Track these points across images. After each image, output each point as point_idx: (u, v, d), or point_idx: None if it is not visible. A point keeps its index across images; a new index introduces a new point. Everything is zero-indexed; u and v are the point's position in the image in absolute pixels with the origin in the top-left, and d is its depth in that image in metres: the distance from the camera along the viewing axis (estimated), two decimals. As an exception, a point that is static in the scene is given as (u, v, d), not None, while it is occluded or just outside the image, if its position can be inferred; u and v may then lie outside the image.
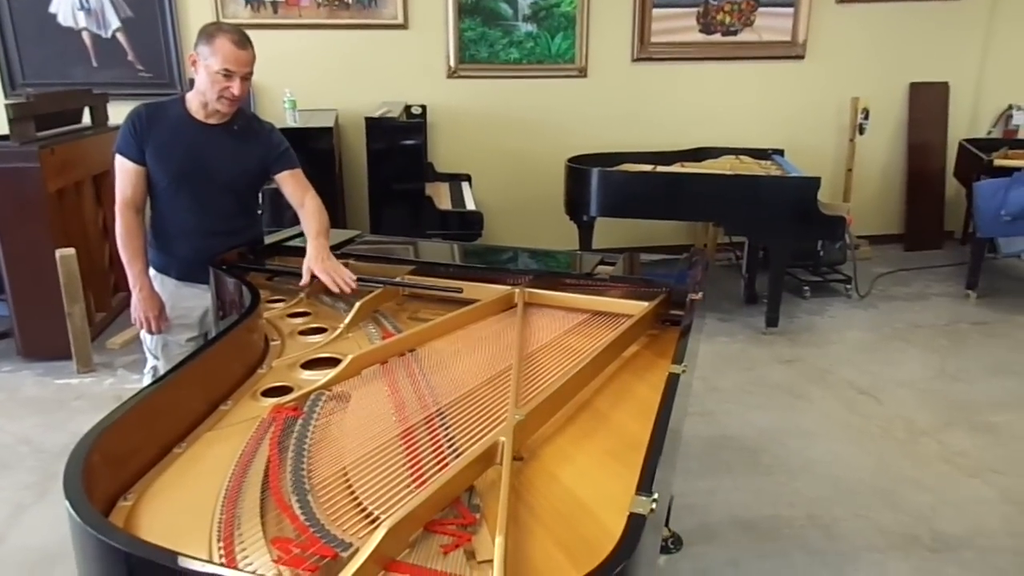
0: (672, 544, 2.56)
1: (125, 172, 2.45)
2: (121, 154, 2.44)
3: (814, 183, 4.26)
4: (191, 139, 2.45)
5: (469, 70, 5.29)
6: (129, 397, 1.41)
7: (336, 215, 4.48)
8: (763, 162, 5.01)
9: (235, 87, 2.35)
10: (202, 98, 2.42)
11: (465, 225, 4.28)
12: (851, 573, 2.48)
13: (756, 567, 2.51)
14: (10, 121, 3.80)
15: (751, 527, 2.71)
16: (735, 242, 5.58)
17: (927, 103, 6.03)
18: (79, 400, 3.65)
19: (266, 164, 2.58)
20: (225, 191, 2.53)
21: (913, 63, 5.93)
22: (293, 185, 2.61)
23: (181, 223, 2.53)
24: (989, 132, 6.15)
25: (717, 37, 5.60)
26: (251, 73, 2.41)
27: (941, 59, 5.96)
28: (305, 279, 2.33)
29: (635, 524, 1.07)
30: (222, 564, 1.09)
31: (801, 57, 5.73)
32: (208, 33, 2.34)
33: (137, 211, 2.48)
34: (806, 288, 5.13)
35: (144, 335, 2.64)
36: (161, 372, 2.61)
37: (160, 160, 2.44)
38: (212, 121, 2.47)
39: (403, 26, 5.13)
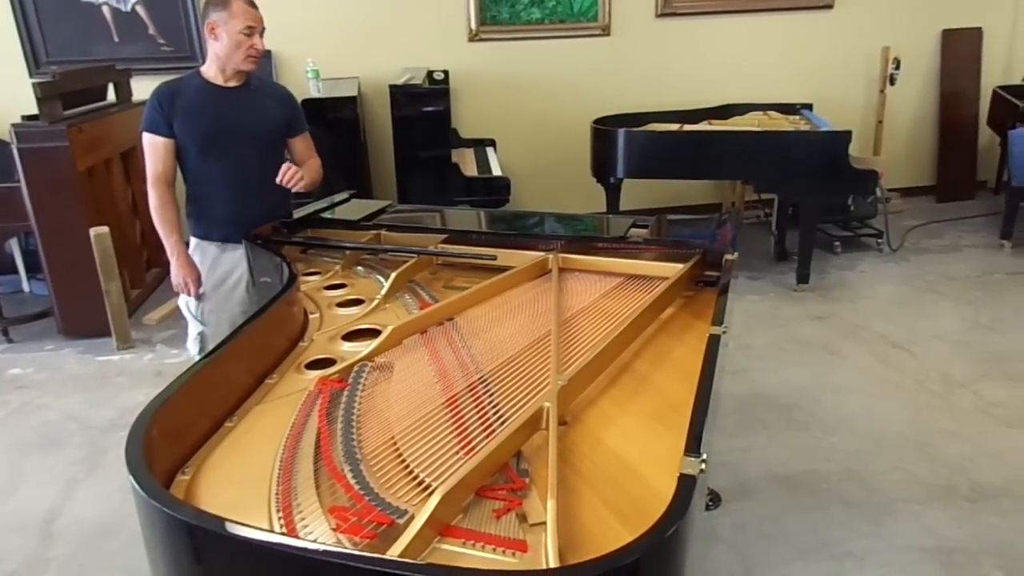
0: (711, 501, 2.58)
1: (155, 148, 2.55)
2: (150, 131, 2.55)
3: (845, 137, 4.19)
4: (215, 104, 2.57)
5: (490, 32, 5.24)
6: (181, 373, 1.44)
7: (362, 184, 4.51)
8: (791, 117, 4.94)
9: (258, 42, 2.52)
10: (222, 63, 2.55)
11: (492, 191, 4.27)
12: (890, 524, 2.50)
13: (795, 521, 2.53)
14: (38, 100, 3.83)
15: (789, 482, 2.73)
16: (764, 199, 5.53)
17: (960, 50, 5.87)
18: (121, 376, 3.73)
19: (288, 120, 2.74)
20: (252, 148, 2.64)
21: (945, 9, 5.77)
22: (305, 147, 2.81)
23: (216, 187, 2.63)
24: (1024, 78, 6.00)
25: (742, -11, 5.48)
26: (264, 28, 2.56)
27: (974, 4, 5.80)
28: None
29: (686, 485, 1.09)
30: (283, 534, 1.12)
31: (830, 7, 5.60)
32: (219, 1, 2.47)
33: (169, 184, 2.60)
34: (837, 243, 5.08)
35: (189, 302, 2.72)
36: (208, 337, 2.72)
37: (189, 129, 2.55)
38: (232, 84, 2.60)
39: (423, -10, 5.08)
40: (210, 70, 2.58)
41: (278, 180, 2.52)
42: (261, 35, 2.54)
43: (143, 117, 2.55)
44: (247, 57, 2.52)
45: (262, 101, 2.66)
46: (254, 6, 2.53)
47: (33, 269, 4.73)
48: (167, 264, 2.63)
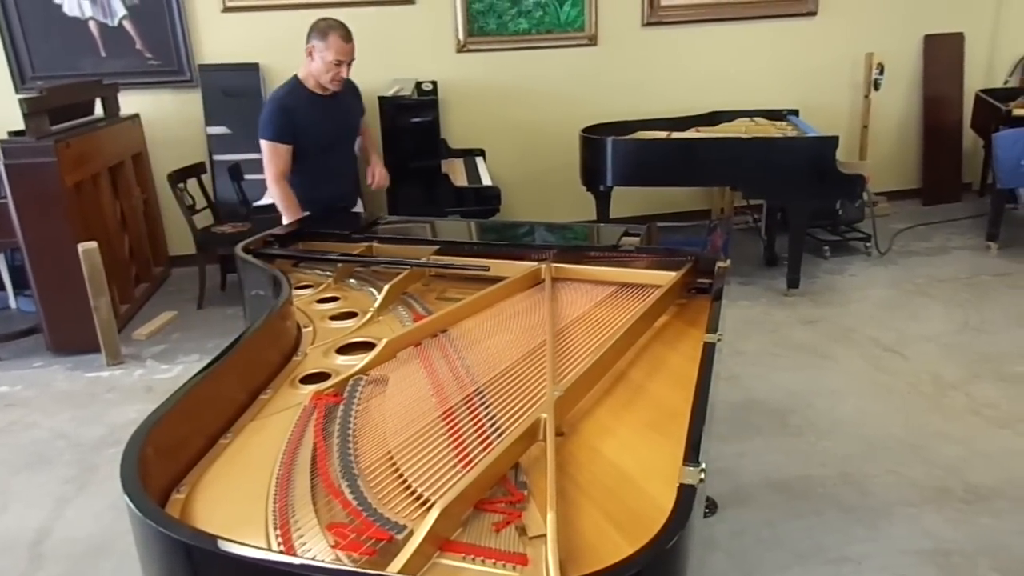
0: (707, 509, 2.58)
1: (279, 153, 3.07)
2: (275, 140, 3.04)
3: (831, 142, 4.22)
4: (325, 111, 3.14)
5: (478, 43, 5.25)
6: (175, 390, 1.42)
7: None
8: (778, 123, 4.97)
9: (344, 71, 3.08)
10: (314, 79, 3.10)
11: (482, 201, 4.28)
12: (886, 528, 2.50)
13: (791, 527, 2.53)
14: (25, 116, 3.81)
15: (784, 488, 2.73)
16: (753, 205, 5.55)
17: (942, 55, 5.93)
18: (111, 392, 3.70)
19: (362, 109, 3.44)
20: (349, 140, 3.36)
21: (927, 14, 5.83)
22: (363, 125, 3.50)
23: (324, 177, 3.18)
24: (1006, 82, 6.06)
25: (727, -3, 5.52)
26: (354, 59, 3.10)
27: (955, 9, 5.86)
28: (371, 180, 3.45)
29: (686, 495, 1.08)
30: (282, 551, 1.11)
31: (813, 14, 5.65)
32: (321, 30, 3.01)
33: (287, 178, 3.12)
34: (826, 248, 5.11)
35: None
36: None
37: (311, 134, 3.10)
38: (326, 92, 3.15)
39: (410, 1, 5.09)
40: (309, 82, 3.12)
41: (373, 186, 3.41)
42: (349, 65, 3.07)
43: (265, 126, 3.04)
44: (332, 81, 3.07)
45: (349, 101, 3.29)
46: (349, 41, 3.01)
47: (20, 285, 4.69)
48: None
